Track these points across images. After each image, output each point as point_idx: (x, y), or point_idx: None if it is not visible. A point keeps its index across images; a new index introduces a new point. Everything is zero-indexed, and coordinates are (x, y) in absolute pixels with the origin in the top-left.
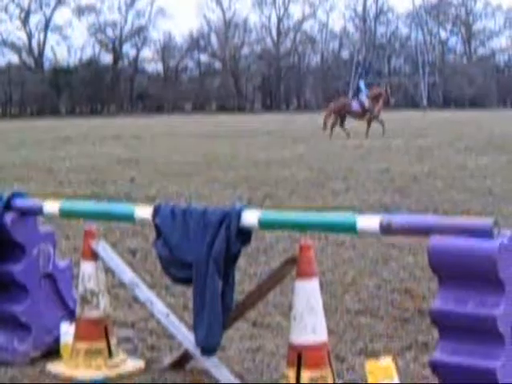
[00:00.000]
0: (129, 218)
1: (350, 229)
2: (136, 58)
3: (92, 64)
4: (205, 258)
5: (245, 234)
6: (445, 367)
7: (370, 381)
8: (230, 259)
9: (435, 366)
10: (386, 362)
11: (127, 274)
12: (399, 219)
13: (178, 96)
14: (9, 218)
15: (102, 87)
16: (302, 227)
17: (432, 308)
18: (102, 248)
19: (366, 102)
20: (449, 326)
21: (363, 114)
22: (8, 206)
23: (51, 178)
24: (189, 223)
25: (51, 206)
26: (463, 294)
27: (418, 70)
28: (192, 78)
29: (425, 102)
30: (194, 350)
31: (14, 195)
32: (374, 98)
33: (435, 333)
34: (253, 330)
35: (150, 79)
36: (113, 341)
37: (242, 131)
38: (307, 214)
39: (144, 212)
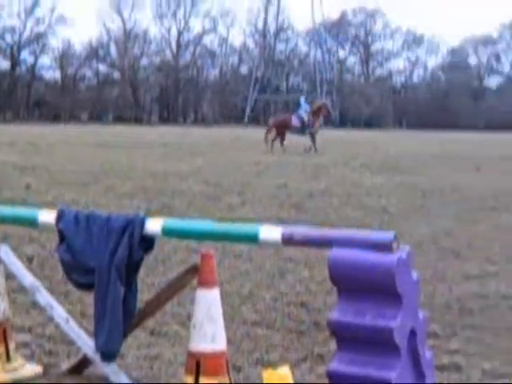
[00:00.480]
0: (32, 222)
1: (252, 239)
2: (34, 65)
3: None
4: (107, 264)
5: (148, 242)
6: (341, 377)
7: None
8: (133, 266)
9: (332, 376)
10: (284, 370)
11: (28, 279)
12: (301, 230)
13: (75, 105)
14: None
15: None
16: (206, 236)
17: (330, 319)
18: (4, 252)
19: (306, 117)
20: (347, 337)
21: (302, 129)
22: None
23: None
24: (92, 229)
25: None
26: (362, 306)
27: (315, 88)
28: (90, 87)
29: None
30: (94, 356)
31: None
32: (315, 113)
33: (331, 345)
34: (151, 339)
35: (47, 86)
36: (11, 345)
37: (139, 142)
38: (211, 223)
39: (47, 217)
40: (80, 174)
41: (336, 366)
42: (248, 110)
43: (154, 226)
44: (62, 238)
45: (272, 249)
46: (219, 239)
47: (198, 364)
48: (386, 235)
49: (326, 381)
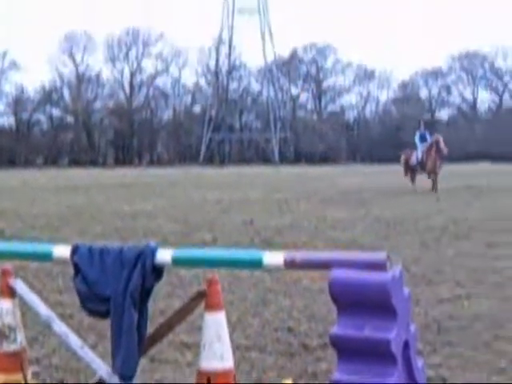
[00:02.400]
0: (47, 256)
1: (257, 264)
2: None
3: None
4: (122, 292)
5: (158, 270)
6: None
7: None
8: (145, 294)
9: None
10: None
11: (43, 310)
12: (302, 255)
13: (29, 150)
14: None
15: None
16: (213, 264)
17: (331, 333)
18: (19, 286)
19: (420, 155)
20: (347, 349)
21: (420, 167)
22: None
23: None
24: (106, 260)
25: None
26: (360, 321)
27: (269, 126)
28: (44, 132)
29: (276, 157)
30: (108, 378)
31: None
32: (428, 150)
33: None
34: (152, 365)
35: (1, 132)
36: (29, 374)
37: (98, 185)
38: (217, 251)
39: (62, 251)
40: (49, 218)
41: (339, 376)
42: (203, 150)
43: (164, 255)
44: (78, 270)
45: (250, 282)
46: (226, 265)
47: (208, 381)
48: (380, 255)
49: None
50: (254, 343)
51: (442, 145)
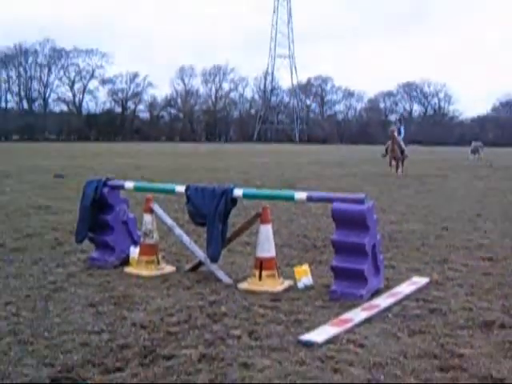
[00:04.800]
0: (172, 191)
1: (291, 199)
2: (134, 110)
3: (109, 112)
4: (214, 212)
5: (234, 201)
6: (338, 269)
7: (296, 276)
8: (227, 213)
9: (333, 268)
10: (305, 266)
11: (169, 221)
12: (316, 194)
13: (157, 132)
14: (106, 190)
15: (114, 125)
16: (266, 197)
17: (332, 239)
18: (156, 207)
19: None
20: (340, 248)
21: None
22: (105, 184)
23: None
24: (205, 194)
25: (129, 184)
26: (349, 232)
27: (293, 122)
28: (166, 122)
29: (297, 139)
30: (205, 260)
31: (107, 178)
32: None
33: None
34: (228, 253)
35: (142, 122)
36: (159, 255)
37: (196, 152)
38: (267, 190)
39: (180, 188)
40: (168, 170)
41: (335, 263)
42: (255, 134)
43: (238, 192)
44: (188, 199)
45: (283, 208)
46: (273, 199)
47: (261, 263)
48: (361, 195)
49: (327, 273)
50: (285, 243)
51: (395, 135)
